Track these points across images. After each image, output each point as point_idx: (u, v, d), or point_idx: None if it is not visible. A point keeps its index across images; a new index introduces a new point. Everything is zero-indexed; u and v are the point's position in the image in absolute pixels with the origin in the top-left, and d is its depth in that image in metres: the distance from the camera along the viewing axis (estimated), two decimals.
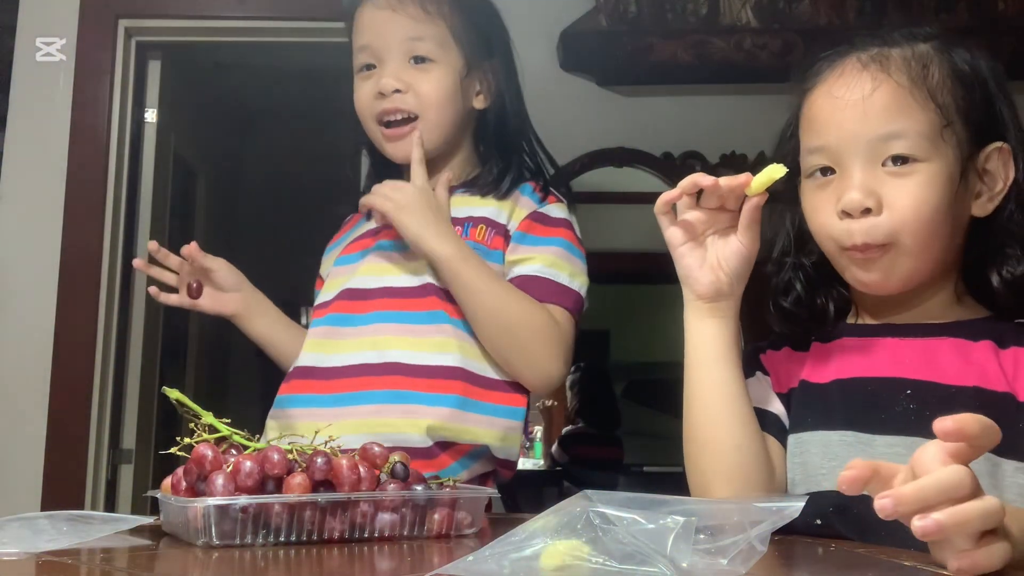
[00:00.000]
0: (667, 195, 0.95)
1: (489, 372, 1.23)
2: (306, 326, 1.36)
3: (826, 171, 0.97)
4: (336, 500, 0.84)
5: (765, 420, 1.02)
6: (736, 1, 2.83)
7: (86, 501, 2.54)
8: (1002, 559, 0.62)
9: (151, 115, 2.88)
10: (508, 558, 0.61)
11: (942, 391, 0.93)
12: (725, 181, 0.92)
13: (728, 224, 0.95)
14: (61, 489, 2.51)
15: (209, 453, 0.85)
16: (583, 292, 1.27)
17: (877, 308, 1.02)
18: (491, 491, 0.95)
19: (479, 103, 1.34)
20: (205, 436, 0.88)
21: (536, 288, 1.24)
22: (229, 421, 0.91)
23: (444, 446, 1.19)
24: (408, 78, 1.28)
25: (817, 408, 0.99)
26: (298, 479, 0.84)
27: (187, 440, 0.87)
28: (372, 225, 1.34)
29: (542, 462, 4.48)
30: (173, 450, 0.88)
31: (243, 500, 0.81)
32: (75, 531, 0.83)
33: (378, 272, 1.28)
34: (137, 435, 2.77)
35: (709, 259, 0.96)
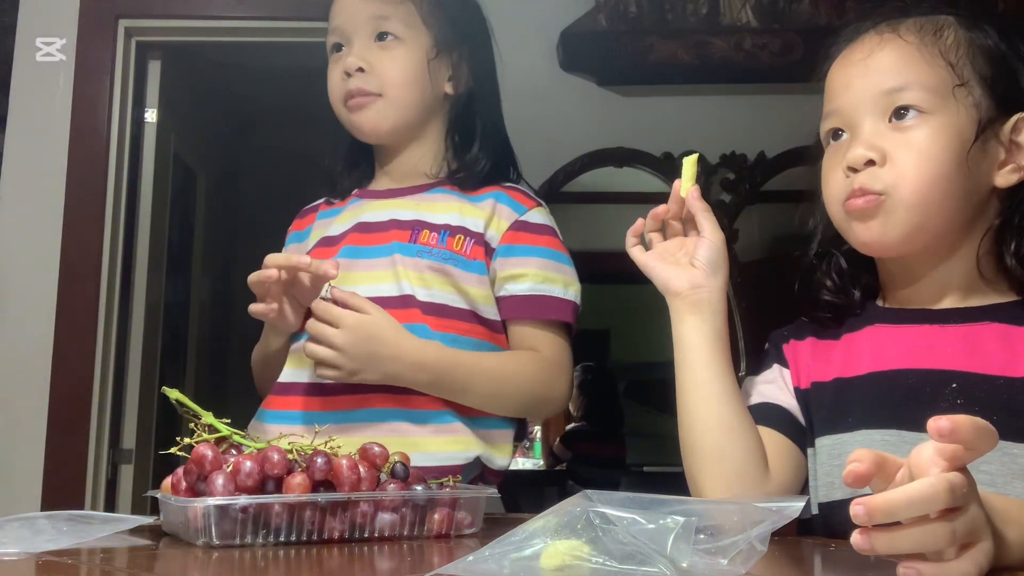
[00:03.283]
0: (632, 228, 1.03)
1: None
2: None
3: (837, 134, 0.98)
4: (336, 500, 0.84)
5: (771, 414, 1.01)
6: (736, 1, 2.83)
7: (86, 501, 2.54)
8: (980, 565, 0.61)
9: (151, 115, 2.88)
10: (508, 558, 0.61)
11: (989, 383, 0.90)
12: (667, 206, 1.02)
13: (688, 235, 1.03)
14: (61, 489, 2.51)
15: (209, 453, 0.85)
16: (578, 300, 1.27)
17: (908, 292, 0.99)
18: (491, 491, 0.95)
19: (449, 88, 1.31)
20: (205, 436, 0.88)
21: (533, 307, 1.23)
22: (229, 421, 0.91)
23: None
24: (372, 57, 1.27)
25: (855, 405, 0.96)
26: (298, 479, 0.84)
27: (187, 440, 0.87)
28: (341, 226, 1.30)
29: (542, 462, 4.49)
30: (173, 450, 0.88)
31: (243, 500, 0.81)
32: (75, 531, 0.84)
33: (351, 282, 1.22)
34: (137, 435, 2.77)
35: (680, 261, 1.00)
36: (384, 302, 1.21)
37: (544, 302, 1.24)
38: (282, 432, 1.10)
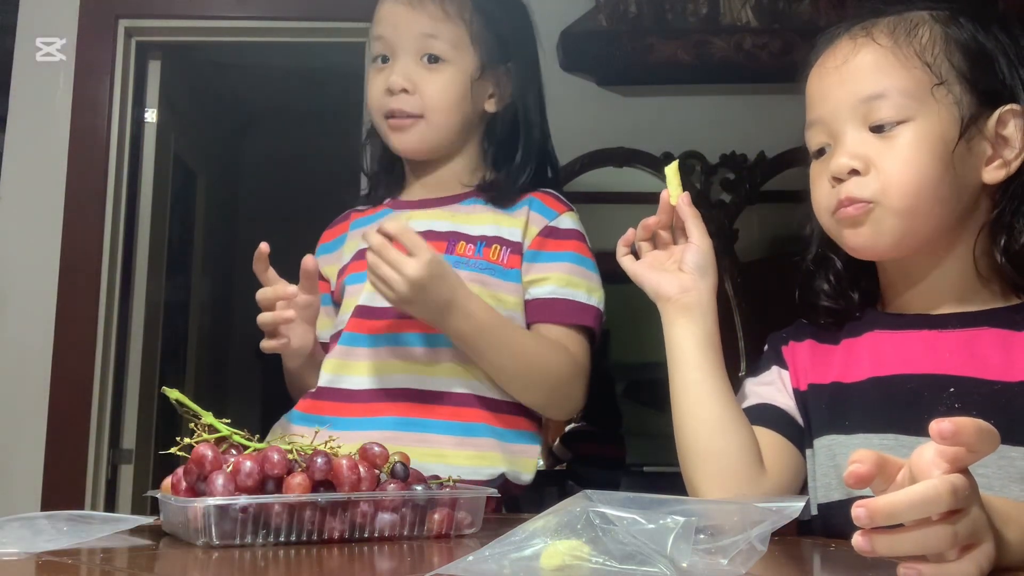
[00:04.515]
0: (623, 239, 1.04)
1: (499, 395, 1.22)
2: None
3: (822, 150, 0.97)
4: (336, 500, 0.84)
5: (769, 414, 1.01)
6: (736, 1, 2.83)
7: (86, 501, 2.54)
8: (981, 566, 0.61)
9: (151, 115, 2.88)
10: (508, 558, 0.61)
11: (987, 388, 0.90)
12: (656, 217, 1.02)
13: (677, 243, 1.04)
14: (61, 489, 2.51)
15: (209, 453, 0.85)
16: (601, 306, 1.26)
17: (907, 297, 0.99)
18: (491, 491, 0.95)
19: (491, 106, 1.31)
20: (205, 436, 0.88)
21: (556, 311, 1.23)
22: (229, 421, 0.91)
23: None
24: (417, 78, 1.26)
25: (854, 409, 0.96)
26: (298, 479, 0.84)
27: (187, 440, 0.87)
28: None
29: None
30: (173, 450, 0.88)
31: (243, 500, 0.81)
32: (75, 531, 0.83)
33: None
34: (137, 435, 2.78)
35: (669, 269, 1.01)
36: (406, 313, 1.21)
37: (566, 306, 1.24)
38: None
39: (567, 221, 1.28)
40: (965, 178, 0.92)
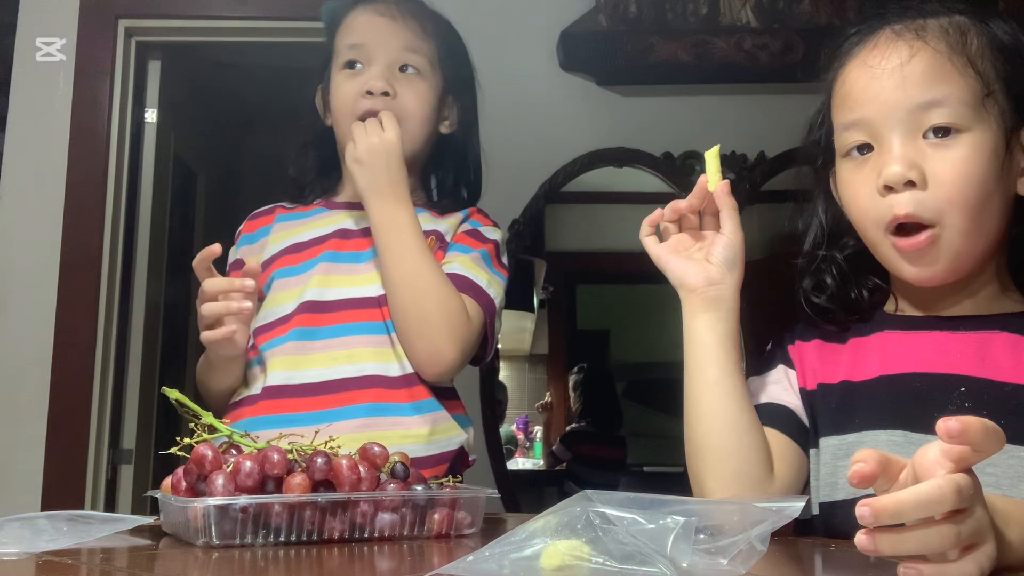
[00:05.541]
0: (649, 218, 1.00)
1: None
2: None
3: (863, 149, 0.94)
4: (336, 500, 0.84)
5: (777, 415, 1.01)
6: (736, 1, 2.83)
7: (86, 501, 2.54)
8: (982, 566, 0.61)
9: (151, 115, 2.88)
10: (508, 558, 0.61)
11: (997, 389, 0.89)
12: (688, 201, 0.98)
13: (704, 227, 1.00)
14: (61, 489, 2.51)
15: (209, 453, 0.85)
16: (497, 301, 1.29)
17: (921, 299, 0.98)
18: (491, 491, 0.95)
19: (445, 128, 1.38)
20: (205, 436, 0.88)
21: (455, 282, 1.25)
22: (229, 421, 0.91)
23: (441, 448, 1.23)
24: (397, 85, 1.30)
25: (862, 407, 0.96)
26: (298, 479, 0.84)
27: (187, 440, 0.87)
28: (314, 232, 1.33)
29: (542, 462, 4.49)
30: (173, 450, 0.88)
31: (243, 500, 0.81)
32: (75, 531, 0.84)
33: (336, 284, 1.27)
34: (137, 435, 2.77)
35: (695, 257, 0.98)
36: (368, 303, 1.25)
37: (466, 281, 1.26)
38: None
39: (490, 232, 1.35)
40: (1005, 193, 0.91)
